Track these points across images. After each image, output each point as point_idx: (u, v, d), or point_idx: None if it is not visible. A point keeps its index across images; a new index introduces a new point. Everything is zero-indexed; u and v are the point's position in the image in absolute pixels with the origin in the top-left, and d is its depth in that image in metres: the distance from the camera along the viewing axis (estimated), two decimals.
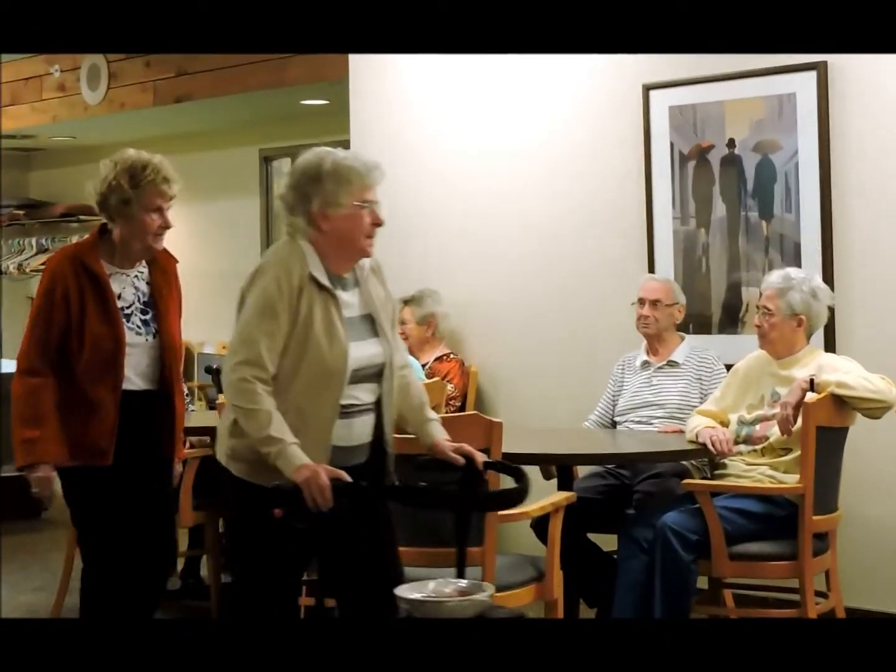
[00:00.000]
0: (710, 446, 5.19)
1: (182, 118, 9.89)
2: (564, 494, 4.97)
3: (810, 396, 5.02)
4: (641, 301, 5.98)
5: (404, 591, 3.64)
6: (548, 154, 6.90)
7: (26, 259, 11.80)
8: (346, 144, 7.65)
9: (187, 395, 7.01)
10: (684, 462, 5.60)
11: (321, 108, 9.25)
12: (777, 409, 5.11)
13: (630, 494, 5.67)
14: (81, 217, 11.47)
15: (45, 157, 12.08)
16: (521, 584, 4.76)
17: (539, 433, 6.16)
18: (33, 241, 11.82)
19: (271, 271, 3.86)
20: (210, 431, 6.26)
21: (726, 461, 5.32)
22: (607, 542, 5.73)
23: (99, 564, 4.64)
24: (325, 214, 3.88)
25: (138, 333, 4.60)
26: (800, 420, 5.00)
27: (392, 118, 7.49)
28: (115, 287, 4.59)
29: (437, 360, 7.07)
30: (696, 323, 6.34)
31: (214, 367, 7.02)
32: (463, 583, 3.72)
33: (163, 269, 4.73)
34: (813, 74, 5.93)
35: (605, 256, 6.71)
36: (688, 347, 5.97)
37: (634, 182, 6.54)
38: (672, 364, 5.93)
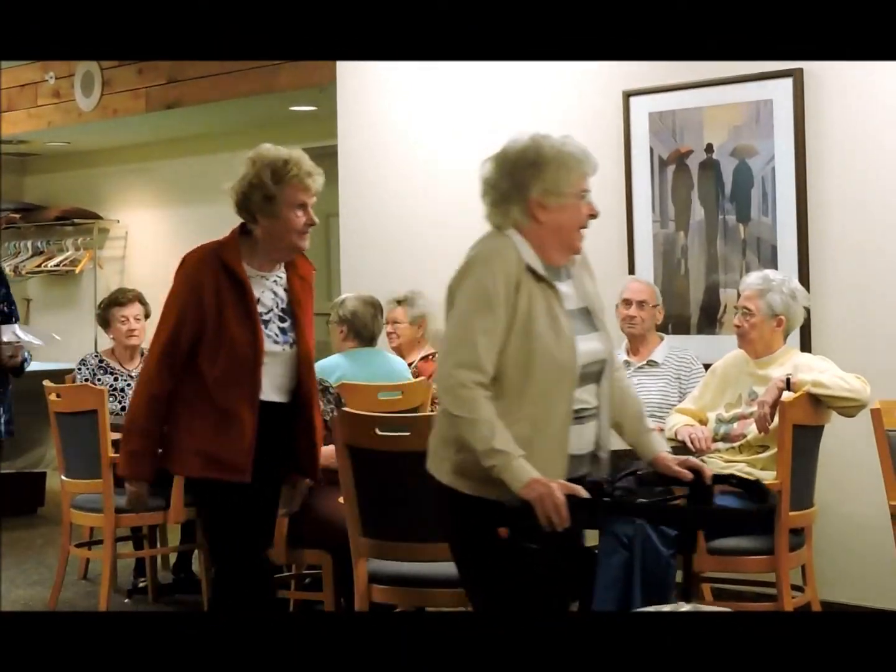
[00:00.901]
0: (688, 444, 5.23)
1: (173, 124, 9.93)
2: None
3: (787, 395, 5.07)
4: (628, 302, 6.01)
5: None
6: None
7: (22, 262, 11.82)
8: (333, 149, 7.75)
9: None
10: None
11: (310, 114, 9.29)
12: (754, 408, 5.17)
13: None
14: (76, 220, 11.51)
15: (40, 161, 12.09)
16: None
17: None
18: (29, 243, 11.84)
19: (485, 264, 3.47)
20: None
21: (704, 458, 5.29)
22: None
23: (229, 569, 4.40)
24: (543, 204, 3.52)
25: (276, 342, 4.30)
26: (776, 418, 5.05)
27: (378, 123, 7.53)
28: (255, 291, 4.29)
29: (422, 359, 7.07)
30: (675, 323, 6.38)
31: None
32: (686, 607, 3.16)
33: (301, 276, 4.42)
34: (789, 81, 5.98)
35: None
36: (667, 347, 6.01)
37: (615, 186, 6.58)
38: (652, 364, 5.97)
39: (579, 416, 3.51)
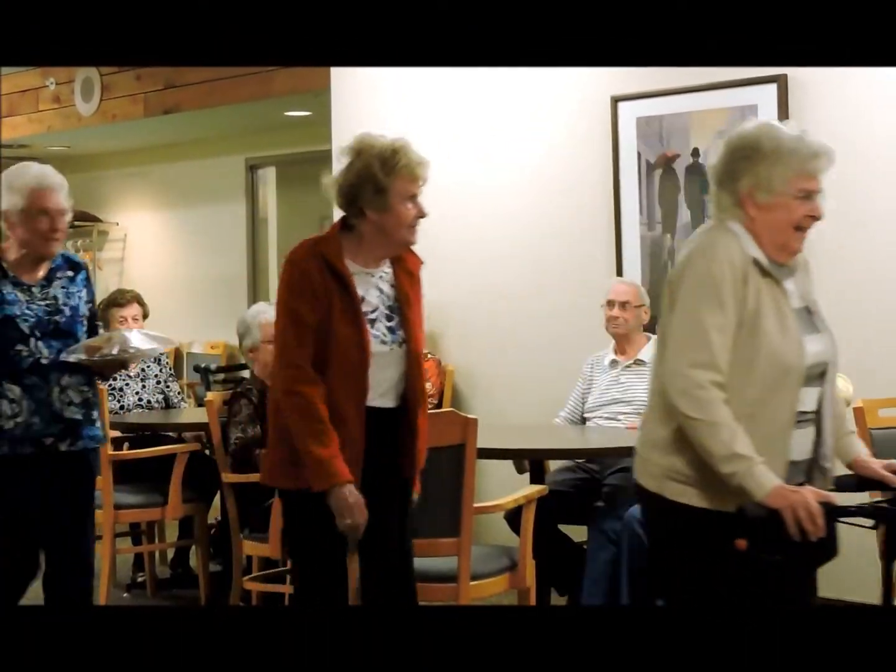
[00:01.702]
0: None
1: (171, 128, 10.02)
2: (536, 487, 5.05)
3: None
4: (611, 303, 6.05)
5: None
6: (522, 162, 7.05)
7: None
8: (328, 154, 7.82)
9: (179, 392, 7.20)
10: None
11: (304, 119, 9.37)
12: None
13: (599, 488, 5.74)
14: (76, 223, 11.56)
15: None
16: (495, 574, 4.85)
17: (512, 429, 6.20)
18: None
19: (709, 256, 3.25)
20: (201, 428, 6.48)
21: None
22: (578, 533, 5.84)
23: (316, 593, 4.01)
24: (753, 198, 3.29)
25: (383, 342, 3.96)
26: None
27: (373, 128, 7.47)
28: (359, 289, 3.96)
29: None
30: None
31: (203, 366, 7.20)
32: None
33: (409, 271, 4.11)
34: (773, 87, 6.06)
35: (575, 260, 6.82)
36: (654, 347, 6.04)
37: (603, 190, 6.68)
38: (639, 363, 6.01)
39: (798, 420, 3.29)
